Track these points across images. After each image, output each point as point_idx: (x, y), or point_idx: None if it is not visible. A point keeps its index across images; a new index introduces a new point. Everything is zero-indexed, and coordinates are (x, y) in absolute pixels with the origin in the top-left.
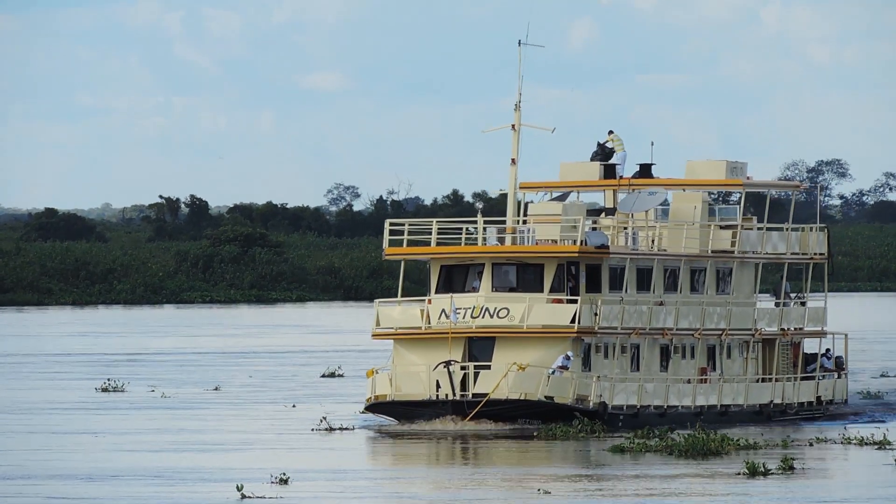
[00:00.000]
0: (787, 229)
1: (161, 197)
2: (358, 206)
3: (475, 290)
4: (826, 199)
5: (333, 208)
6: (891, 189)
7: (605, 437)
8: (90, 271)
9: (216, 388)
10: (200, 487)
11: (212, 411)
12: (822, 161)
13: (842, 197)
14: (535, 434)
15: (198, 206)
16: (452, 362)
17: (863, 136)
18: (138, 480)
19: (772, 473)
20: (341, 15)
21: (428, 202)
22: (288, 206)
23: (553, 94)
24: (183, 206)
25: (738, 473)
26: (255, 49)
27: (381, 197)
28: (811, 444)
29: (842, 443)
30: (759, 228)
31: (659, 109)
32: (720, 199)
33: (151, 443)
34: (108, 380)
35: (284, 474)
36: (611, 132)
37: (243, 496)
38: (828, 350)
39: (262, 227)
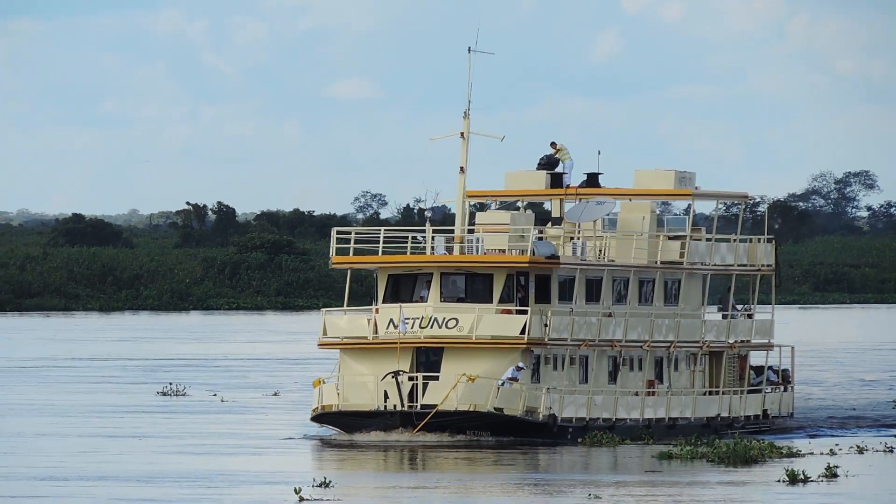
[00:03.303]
0: (734, 240)
1: (188, 203)
2: (385, 213)
3: (423, 299)
4: (853, 210)
5: (360, 216)
6: None
7: (653, 443)
8: (117, 277)
9: (275, 393)
10: (256, 490)
11: (268, 415)
12: (849, 173)
13: (869, 209)
14: (579, 441)
15: (225, 212)
16: (401, 373)
17: (891, 147)
18: (196, 483)
19: (812, 481)
20: (367, 23)
21: (455, 210)
22: (315, 214)
23: (580, 104)
24: (210, 212)
25: (779, 481)
26: (280, 57)
27: (407, 205)
28: (861, 452)
29: (884, 451)
30: (707, 239)
31: (685, 121)
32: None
33: (208, 445)
34: (170, 384)
35: (326, 478)
36: (553, 143)
37: (301, 499)
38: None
39: (289, 235)
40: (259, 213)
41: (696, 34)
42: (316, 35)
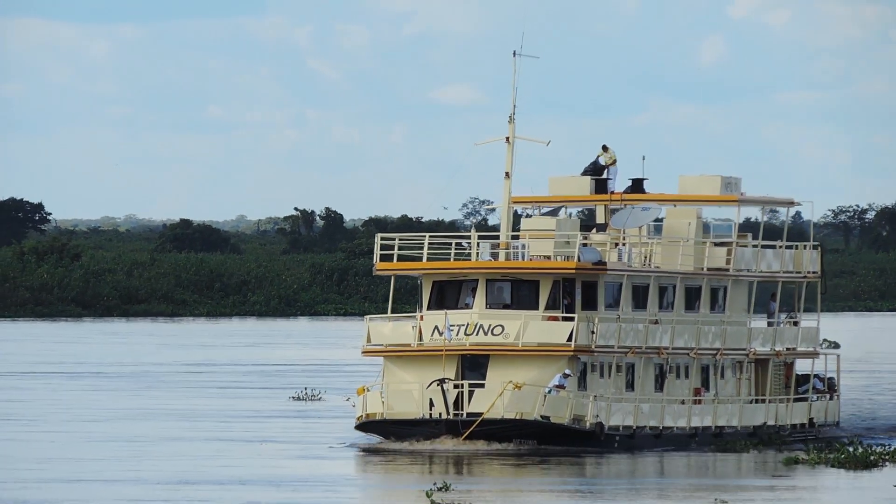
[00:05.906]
0: (780, 247)
1: (296, 209)
2: (493, 220)
3: (468, 306)
4: None
5: (468, 222)
6: None
7: (784, 449)
8: (224, 283)
9: None
10: (389, 494)
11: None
12: None
13: None
14: (712, 447)
15: (333, 218)
16: (446, 380)
17: None
18: (327, 487)
19: None
20: (472, 28)
21: (562, 216)
22: (423, 220)
23: (683, 110)
24: (318, 218)
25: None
26: (385, 62)
27: (515, 211)
28: None
29: None
30: (753, 246)
31: (792, 127)
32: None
33: (338, 449)
34: (304, 389)
35: (445, 482)
36: (605, 147)
37: (433, 503)
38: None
39: None
40: (367, 218)
41: (802, 39)
42: (420, 40)
